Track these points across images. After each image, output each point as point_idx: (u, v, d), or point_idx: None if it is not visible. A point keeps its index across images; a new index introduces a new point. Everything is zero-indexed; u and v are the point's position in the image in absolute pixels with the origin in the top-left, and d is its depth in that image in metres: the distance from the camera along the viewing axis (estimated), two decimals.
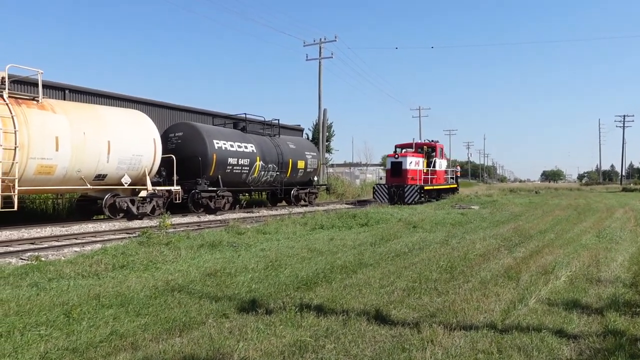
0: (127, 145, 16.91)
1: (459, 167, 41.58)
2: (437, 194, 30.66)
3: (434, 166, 30.21)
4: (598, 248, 10.27)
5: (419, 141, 32.13)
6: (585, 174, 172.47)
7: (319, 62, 39.77)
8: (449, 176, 33.82)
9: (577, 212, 20.90)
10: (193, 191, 20.23)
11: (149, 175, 17.86)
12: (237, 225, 13.37)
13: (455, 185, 34.90)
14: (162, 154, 18.50)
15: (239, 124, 25.12)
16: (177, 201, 19.24)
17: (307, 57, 40.46)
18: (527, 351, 4.32)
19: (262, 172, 23.82)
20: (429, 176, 29.36)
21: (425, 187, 27.87)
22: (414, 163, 28.10)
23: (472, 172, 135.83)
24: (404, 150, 29.81)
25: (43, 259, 9.36)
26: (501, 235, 12.24)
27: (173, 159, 18.97)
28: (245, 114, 25.49)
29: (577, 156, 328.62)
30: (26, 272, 7.46)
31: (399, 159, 28.03)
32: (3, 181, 13.30)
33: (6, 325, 4.92)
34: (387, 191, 27.39)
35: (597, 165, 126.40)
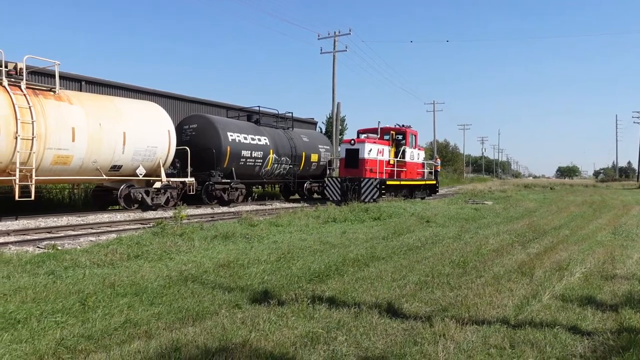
0: (142, 136, 17.02)
1: (439, 160, 35.47)
2: (409, 192, 25.73)
3: (403, 157, 24.95)
4: (613, 245, 10.17)
5: (387, 126, 25.87)
6: (601, 171, 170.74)
7: (333, 56, 39.63)
8: (426, 170, 28.31)
9: (593, 208, 20.69)
10: (207, 183, 20.35)
11: (163, 166, 17.98)
12: (250, 217, 13.42)
13: (434, 182, 28.75)
14: (177, 146, 18.61)
15: (253, 117, 25.15)
16: (191, 193, 19.37)
17: (321, 50, 40.32)
18: (540, 347, 4.30)
19: (275, 165, 23.86)
20: (395, 168, 24.35)
21: (388, 182, 22.82)
22: (375, 152, 23.05)
23: (486, 167, 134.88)
24: (363, 136, 24.29)
25: (59, 247, 9.49)
26: (515, 231, 12.16)
27: (187, 150, 19.07)
28: (259, 106, 25.51)
29: (593, 152, 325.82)
30: (43, 261, 7.57)
31: (355, 146, 22.80)
32: (21, 171, 13.47)
33: (23, 312, 4.99)
34: (339, 186, 22.47)
35: (613, 162, 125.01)
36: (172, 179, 18.66)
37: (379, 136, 24.59)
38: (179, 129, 20.78)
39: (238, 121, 24.06)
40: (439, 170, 32.00)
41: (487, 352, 4.21)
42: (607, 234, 12.06)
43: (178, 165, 19.49)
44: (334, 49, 39.64)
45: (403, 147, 25.03)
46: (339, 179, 22.69)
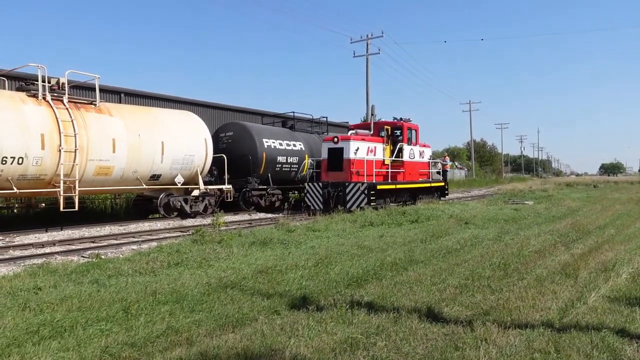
0: (180, 145, 17.34)
1: (447, 159, 30.72)
2: (411, 196, 22.58)
3: (399, 155, 21.46)
4: None
5: (381, 120, 22.60)
6: None
7: (366, 59, 39.58)
8: (432, 170, 24.83)
9: (639, 206, 19.99)
10: (244, 189, 20.56)
11: (201, 174, 18.26)
12: (287, 222, 13.49)
13: (442, 184, 25.44)
14: (214, 154, 18.86)
15: (288, 123, 25.32)
16: (229, 200, 19.60)
17: (354, 53, 40.35)
18: (586, 351, 4.18)
19: (311, 170, 23.93)
20: (389, 170, 20.88)
21: (380, 187, 19.47)
22: (363, 150, 19.72)
23: (525, 166, 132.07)
24: (350, 133, 20.83)
25: (103, 256, 9.73)
26: (557, 231, 11.84)
27: (224, 158, 19.31)
28: (293, 112, 25.70)
29: (638, 148, 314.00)
30: (87, 270, 7.78)
31: (339, 144, 19.46)
32: (65, 182, 13.90)
33: (69, 320, 5.14)
34: (321, 192, 19.29)
35: None
36: (209, 187, 18.93)
37: (371, 132, 21.17)
38: (216, 137, 21.07)
39: (273, 127, 24.27)
40: (448, 170, 29.05)
41: (531, 356, 4.11)
42: None
43: (215, 172, 19.76)
44: (367, 52, 39.61)
45: (400, 144, 21.48)
46: (320, 184, 19.44)
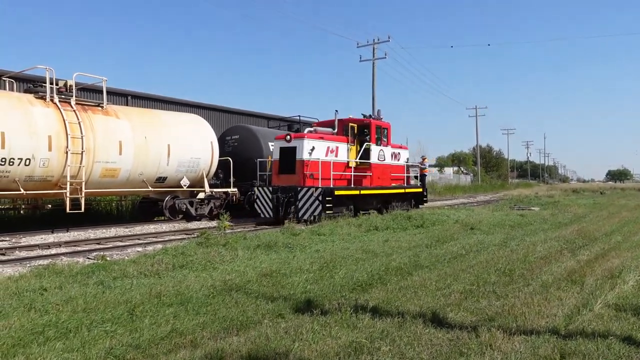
0: (186, 148, 17.39)
1: (426, 162, 27.01)
2: (381, 203, 19.85)
3: (366, 157, 18.96)
4: None
5: (348, 117, 19.44)
6: None
7: (373, 63, 39.63)
8: (407, 174, 21.87)
9: None
10: (249, 193, 20.56)
11: (206, 177, 18.31)
12: (292, 226, 13.49)
13: (420, 190, 22.46)
14: (219, 157, 18.92)
15: (294, 126, 25.25)
16: (234, 203, 19.61)
17: (360, 58, 40.38)
18: (592, 358, 4.15)
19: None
20: (352, 173, 18.32)
21: (338, 192, 16.93)
22: (321, 150, 17.17)
23: (531, 172, 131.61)
24: (307, 130, 18.18)
25: (108, 258, 9.76)
26: (563, 238, 11.79)
27: (230, 161, 19.35)
28: (299, 116, 25.67)
29: None
30: (93, 271, 7.80)
31: (292, 143, 17.09)
32: (71, 184, 13.96)
33: (75, 321, 5.15)
34: (270, 197, 17.11)
35: None
36: (215, 190, 18.97)
37: (335, 131, 18.72)
38: (222, 140, 21.12)
39: (279, 131, 24.28)
40: (427, 173, 26.17)
41: None
42: None
43: (221, 175, 19.80)
44: (373, 56, 39.66)
45: (366, 144, 18.92)
46: (269, 189, 17.28)
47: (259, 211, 17.52)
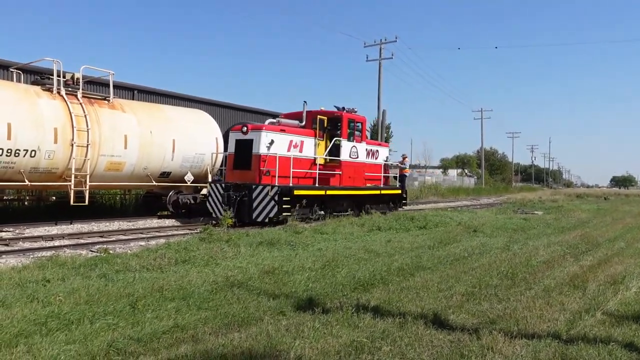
0: (191, 143, 17.42)
1: (407, 161, 25.49)
2: (355, 205, 18.31)
3: (336, 153, 17.34)
4: None
5: (318, 109, 17.77)
6: None
7: (379, 63, 39.56)
8: (385, 174, 20.46)
9: None
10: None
11: (210, 173, 18.33)
12: (295, 224, 13.50)
13: (399, 192, 20.95)
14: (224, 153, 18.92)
15: None
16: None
17: (367, 57, 40.34)
18: None
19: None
20: (318, 171, 16.84)
21: (297, 192, 15.36)
22: (283, 144, 15.67)
23: (536, 176, 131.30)
24: (268, 122, 16.44)
25: (111, 251, 9.78)
26: (567, 242, 11.77)
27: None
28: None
29: None
30: (95, 264, 7.82)
31: (249, 135, 15.49)
32: (76, 177, 14.00)
33: (77, 313, 5.17)
34: (221, 195, 15.42)
35: None
36: None
37: (303, 124, 17.17)
38: (226, 136, 21.12)
39: None
40: (406, 174, 24.58)
41: None
42: None
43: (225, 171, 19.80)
44: (380, 56, 39.59)
45: (336, 139, 17.29)
46: (222, 186, 15.63)
47: (210, 210, 15.86)
